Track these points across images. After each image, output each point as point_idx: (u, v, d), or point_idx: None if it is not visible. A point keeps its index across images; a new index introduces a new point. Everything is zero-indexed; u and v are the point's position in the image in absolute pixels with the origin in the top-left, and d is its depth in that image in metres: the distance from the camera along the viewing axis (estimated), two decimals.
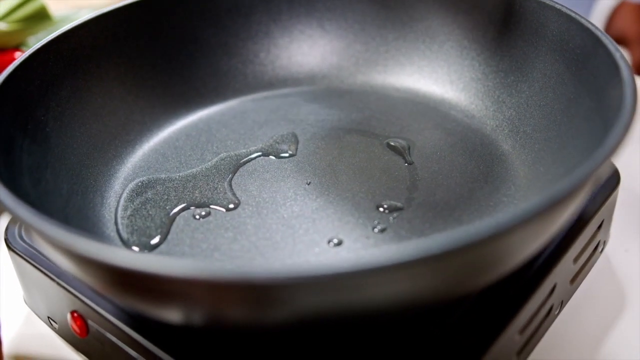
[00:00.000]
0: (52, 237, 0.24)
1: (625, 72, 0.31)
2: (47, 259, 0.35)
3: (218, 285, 0.23)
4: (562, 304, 0.37)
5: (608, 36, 0.34)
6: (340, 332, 0.28)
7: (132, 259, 0.23)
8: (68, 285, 0.34)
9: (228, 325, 0.29)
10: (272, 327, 0.27)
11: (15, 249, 0.37)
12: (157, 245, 0.35)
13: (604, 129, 0.30)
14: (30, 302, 0.40)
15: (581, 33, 0.36)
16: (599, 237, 0.39)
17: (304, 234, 0.35)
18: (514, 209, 0.23)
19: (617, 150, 0.27)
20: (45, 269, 0.36)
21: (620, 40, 0.99)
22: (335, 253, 0.33)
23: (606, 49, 0.33)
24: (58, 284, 0.35)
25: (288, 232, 0.35)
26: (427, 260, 0.22)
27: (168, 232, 0.36)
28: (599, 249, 0.40)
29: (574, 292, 0.39)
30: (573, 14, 0.37)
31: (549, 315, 0.36)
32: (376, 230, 0.35)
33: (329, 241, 0.34)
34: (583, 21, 0.36)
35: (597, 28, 0.35)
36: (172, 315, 0.27)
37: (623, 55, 0.32)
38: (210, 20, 0.47)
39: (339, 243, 0.34)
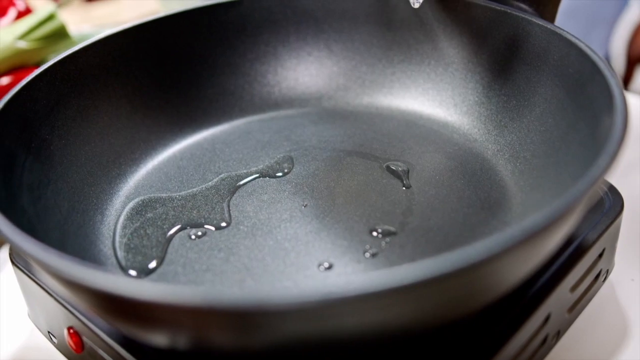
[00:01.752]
0: (30, 254, 0.25)
1: (618, 99, 0.31)
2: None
3: (194, 311, 0.24)
4: (558, 334, 0.37)
5: (606, 62, 0.34)
6: (321, 356, 0.28)
7: (108, 282, 0.23)
8: (64, 301, 0.35)
9: (214, 349, 0.29)
10: (256, 352, 0.28)
11: (19, 265, 0.38)
12: (153, 267, 0.35)
13: (596, 157, 0.30)
14: (33, 317, 0.41)
15: (580, 58, 0.36)
16: (600, 265, 0.38)
17: (295, 256, 0.35)
18: (494, 237, 0.23)
19: (599, 180, 0.26)
20: (45, 285, 0.36)
21: None
22: (325, 277, 0.33)
23: (602, 75, 0.33)
24: (56, 300, 0.36)
25: (280, 255, 0.35)
26: (394, 291, 0.22)
27: (165, 253, 0.36)
28: (601, 277, 0.39)
29: (573, 321, 0.38)
30: (574, 39, 0.37)
31: (544, 345, 0.35)
32: (367, 255, 0.35)
33: (320, 265, 0.34)
34: (582, 46, 0.36)
35: (595, 53, 0.35)
36: (157, 339, 0.28)
37: (619, 82, 0.32)
38: (218, 41, 0.48)
39: (329, 267, 0.34)
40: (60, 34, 0.58)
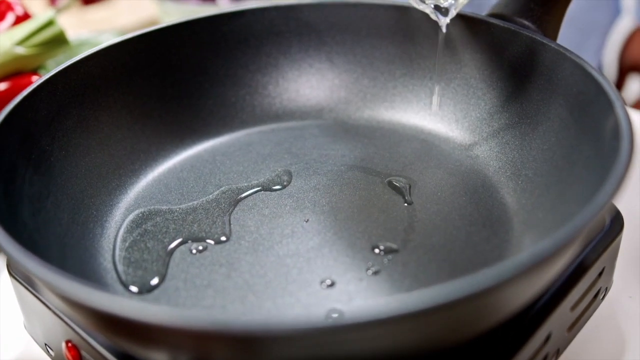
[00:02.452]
0: (34, 273, 0.25)
1: (624, 124, 0.31)
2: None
3: (198, 335, 0.24)
4: (558, 352, 0.37)
5: (611, 83, 0.34)
6: None
7: (114, 304, 0.23)
8: (63, 315, 0.35)
9: None
10: None
11: (16, 276, 0.38)
12: (155, 284, 0.35)
13: (601, 179, 0.30)
14: (29, 328, 0.40)
15: (585, 79, 0.36)
16: (600, 284, 0.39)
17: (297, 273, 0.35)
18: (487, 272, 0.23)
19: (606, 206, 0.26)
20: (43, 297, 0.36)
21: (636, 67, 0.99)
22: (327, 295, 0.33)
23: (608, 98, 0.33)
24: (54, 313, 0.35)
25: (282, 271, 0.35)
26: (404, 318, 0.22)
27: (167, 268, 0.36)
28: (600, 295, 0.40)
29: (572, 339, 0.38)
30: (579, 60, 0.37)
31: None
32: (370, 272, 0.35)
33: (322, 282, 0.34)
34: (587, 67, 0.36)
35: (600, 74, 0.35)
36: (158, 356, 0.28)
37: (624, 105, 0.32)
38: (219, 52, 0.48)
39: (332, 284, 0.34)
40: (59, 40, 0.57)
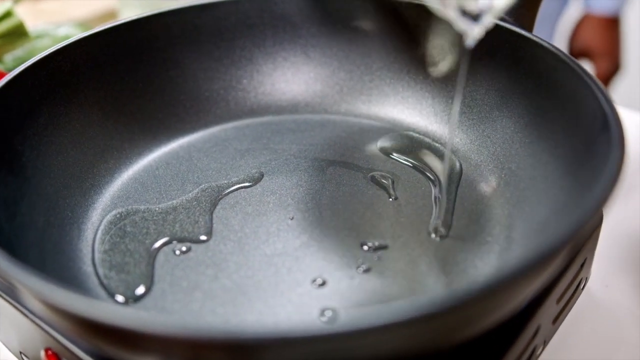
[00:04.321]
0: (26, 285, 0.24)
1: (611, 116, 0.31)
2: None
3: (193, 344, 0.23)
4: (544, 343, 0.37)
5: (592, 75, 0.34)
6: None
7: (108, 314, 0.22)
8: (43, 323, 0.33)
9: None
10: None
11: None
12: (142, 293, 0.34)
13: (592, 174, 0.30)
14: (2, 336, 0.39)
15: (569, 74, 0.36)
16: (582, 274, 0.39)
17: (287, 272, 0.34)
18: (501, 271, 0.23)
19: (598, 212, 0.26)
20: (20, 305, 0.34)
21: (585, 53, 1.02)
22: (320, 294, 0.33)
23: (590, 90, 0.33)
24: (32, 321, 0.34)
25: (271, 271, 0.34)
26: (400, 325, 0.22)
27: (152, 272, 0.34)
28: (581, 286, 0.40)
29: (556, 330, 0.39)
30: (558, 52, 0.37)
31: (532, 357, 0.36)
32: (360, 270, 0.34)
33: (313, 281, 0.34)
34: (565, 58, 0.36)
35: (584, 71, 0.35)
36: None
37: (609, 98, 0.32)
38: (192, 45, 0.47)
39: (323, 283, 0.33)
40: (18, 32, 0.55)
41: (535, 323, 0.34)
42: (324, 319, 0.31)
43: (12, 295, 0.35)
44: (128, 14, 0.76)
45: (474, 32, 0.32)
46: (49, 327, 0.33)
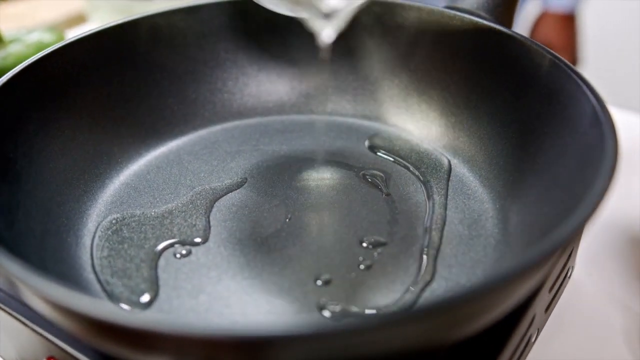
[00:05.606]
0: (45, 294, 0.24)
1: (600, 112, 0.32)
2: (21, 304, 0.34)
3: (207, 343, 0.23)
4: (538, 332, 0.38)
5: (577, 70, 0.36)
6: None
7: (124, 317, 0.22)
8: (45, 331, 0.33)
9: None
10: None
11: None
12: (148, 300, 0.34)
13: (584, 166, 0.31)
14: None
15: (553, 70, 0.37)
16: (570, 263, 0.40)
17: (290, 272, 0.34)
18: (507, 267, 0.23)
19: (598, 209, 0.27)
20: (19, 314, 0.34)
21: None
22: (325, 292, 0.33)
23: (577, 85, 0.35)
24: (33, 330, 0.33)
25: (274, 270, 0.35)
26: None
27: (156, 276, 0.34)
28: (568, 274, 0.41)
29: (548, 319, 0.40)
30: (542, 49, 0.38)
31: (527, 346, 0.37)
32: (362, 267, 0.35)
33: (317, 279, 0.34)
34: (549, 54, 0.37)
35: (570, 67, 0.36)
36: None
37: (597, 92, 0.34)
38: (177, 48, 0.46)
39: (328, 282, 0.34)
40: None
41: (532, 312, 0.35)
42: (332, 316, 0.32)
43: (12, 305, 0.34)
44: (97, 17, 0.75)
45: (327, 34, 0.32)
46: (52, 335, 0.33)
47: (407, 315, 0.22)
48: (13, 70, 0.38)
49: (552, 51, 0.38)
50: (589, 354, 0.38)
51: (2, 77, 0.37)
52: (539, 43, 0.39)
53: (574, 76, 0.35)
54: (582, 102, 0.34)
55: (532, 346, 0.38)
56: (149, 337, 0.24)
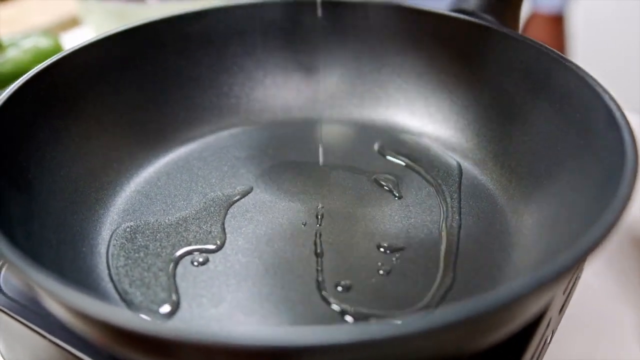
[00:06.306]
0: (83, 309, 0.23)
1: (618, 115, 0.32)
2: (38, 315, 0.33)
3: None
4: (552, 334, 0.39)
5: (589, 73, 0.36)
6: None
7: (150, 327, 0.22)
8: (61, 341, 0.33)
9: None
10: None
11: None
12: (170, 309, 0.33)
13: (599, 169, 0.32)
14: (10, 357, 0.38)
15: (563, 72, 0.38)
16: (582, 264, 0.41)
17: (310, 279, 0.34)
18: (505, 289, 0.23)
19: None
20: (33, 324, 0.34)
21: None
22: (348, 298, 0.33)
23: (591, 88, 0.35)
24: (50, 341, 0.33)
25: (293, 277, 0.34)
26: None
27: (175, 283, 0.34)
28: (579, 275, 0.42)
29: (561, 321, 0.40)
30: (554, 54, 0.39)
31: (544, 348, 0.37)
32: (382, 272, 0.35)
33: (337, 285, 0.34)
34: (560, 58, 0.38)
35: (578, 68, 0.36)
36: None
37: (613, 97, 0.34)
38: (183, 54, 0.46)
39: (349, 288, 0.34)
40: None
41: (549, 316, 0.35)
42: (357, 323, 0.32)
43: (26, 315, 0.34)
44: (91, 20, 0.74)
45: None
46: (70, 346, 0.32)
47: (449, 320, 0.22)
48: (22, 78, 0.37)
49: (561, 54, 0.38)
50: (600, 354, 0.39)
51: (13, 85, 0.37)
52: (546, 45, 0.39)
53: (587, 79, 0.36)
54: (596, 104, 0.34)
55: (547, 348, 0.38)
56: (178, 347, 0.24)
